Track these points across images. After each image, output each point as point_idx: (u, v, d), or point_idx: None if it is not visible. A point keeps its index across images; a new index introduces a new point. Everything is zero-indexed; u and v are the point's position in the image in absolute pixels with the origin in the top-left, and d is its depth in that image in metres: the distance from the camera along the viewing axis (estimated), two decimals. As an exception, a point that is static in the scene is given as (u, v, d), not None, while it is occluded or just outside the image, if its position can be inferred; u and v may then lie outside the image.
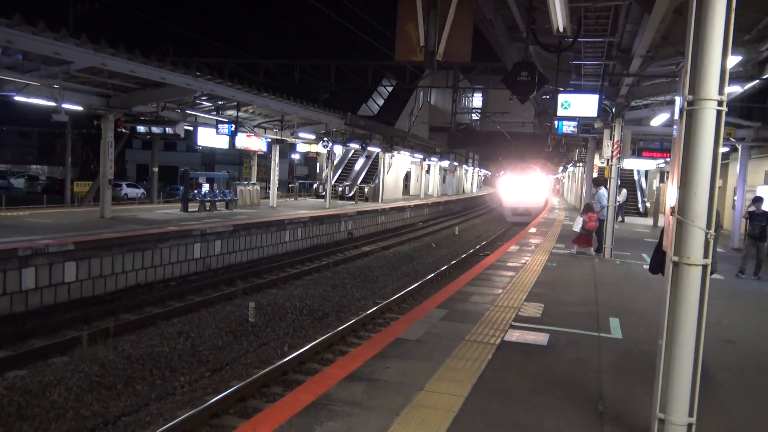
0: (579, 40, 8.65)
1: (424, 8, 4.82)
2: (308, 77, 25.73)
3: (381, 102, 42.82)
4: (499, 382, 5.05)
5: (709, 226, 3.65)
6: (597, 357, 5.94)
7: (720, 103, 3.59)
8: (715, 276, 11.47)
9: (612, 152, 13.60)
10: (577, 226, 14.72)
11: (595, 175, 21.69)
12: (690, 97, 3.64)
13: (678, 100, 3.88)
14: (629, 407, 4.56)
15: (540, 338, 6.46)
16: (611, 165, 13.58)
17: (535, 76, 7.28)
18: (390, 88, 41.07)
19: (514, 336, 6.48)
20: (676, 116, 3.82)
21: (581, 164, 29.72)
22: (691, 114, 3.65)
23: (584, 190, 24.18)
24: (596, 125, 14.97)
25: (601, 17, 8.11)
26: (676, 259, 3.72)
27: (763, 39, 9.61)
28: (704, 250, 3.67)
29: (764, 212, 11.72)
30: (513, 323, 7.02)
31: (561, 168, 57.63)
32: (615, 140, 13.38)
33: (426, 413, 4.31)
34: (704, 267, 3.68)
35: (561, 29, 6.75)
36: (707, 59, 3.57)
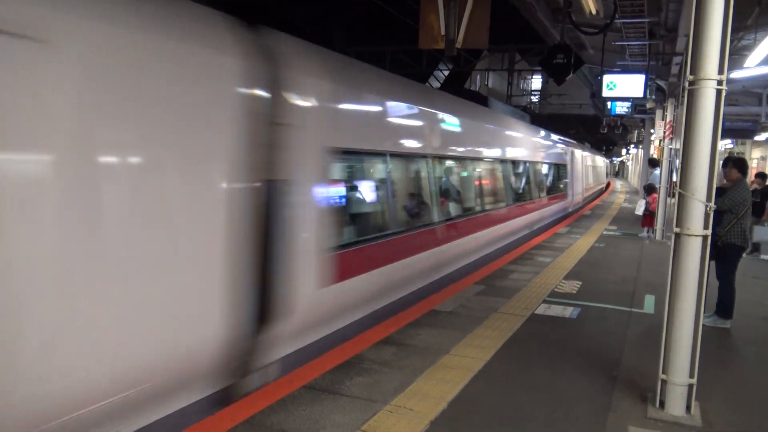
0: (618, 21, 8.69)
1: (444, 0, 5.16)
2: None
3: (437, 86, 42.77)
4: (521, 349, 5.39)
5: (708, 200, 3.87)
6: (623, 330, 6.16)
7: (720, 83, 3.79)
8: (766, 257, 11.36)
9: (665, 132, 13.44)
10: (640, 209, 14.65)
11: (655, 156, 21.26)
12: (691, 77, 3.85)
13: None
14: (643, 373, 4.80)
15: (570, 312, 6.72)
16: (663, 146, 13.42)
17: (571, 58, 7.46)
18: (446, 73, 40.96)
19: (546, 310, 6.77)
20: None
21: (641, 146, 29.01)
22: (692, 93, 3.86)
23: (643, 172, 23.67)
24: (648, 105, 14.76)
25: (636, -1, 8.14)
26: (677, 230, 3.96)
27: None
28: (704, 222, 3.89)
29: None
30: (547, 298, 7.29)
31: (624, 150, 56.07)
32: (667, 120, 13.22)
33: (447, 372, 4.72)
34: (704, 238, 3.90)
35: (593, 11, 6.89)
36: (707, 41, 3.77)
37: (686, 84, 3.88)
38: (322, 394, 4.25)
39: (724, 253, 6.34)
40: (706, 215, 3.89)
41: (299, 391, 4.27)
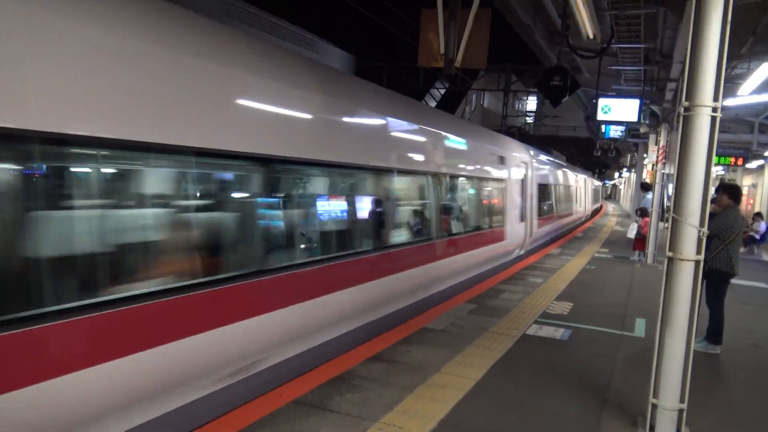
0: (614, 46, 8.81)
1: (444, 19, 5.22)
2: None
3: (433, 104, 43.04)
4: (512, 369, 5.37)
5: (702, 225, 3.89)
6: (614, 353, 6.16)
7: (714, 110, 3.84)
8: (759, 284, 11.42)
9: (657, 157, 13.55)
10: (632, 233, 14.71)
11: (648, 180, 21.42)
12: (687, 103, 3.90)
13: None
14: (633, 397, 4.79)
15: (561, 334, 6.71)
16: (656, 170, 13.53)
17: (568, 80, 7.52)
18: (443, 91, 41.27)
19: (537, 331, 6.76)
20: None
21: (634, 169, 29.24)
22: (687, 119, 3.90)
23: (635, 196, 23.80)
24: (642, 130, 14.90)
25: (632, 24, 8.26)
26: (670, 254, 3.98)
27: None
28: (697, 247, 3.92)
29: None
30: (538, 319, 7.29)
31: (617, 174, 56.47)
32: (660, 145, 13.34)
33: (437, 391, 4.69)
34: (696, 263, 3.92)
35: (590, 36, 6.98)
36: (703, 68, 3.82)
37: (681, 110, 3.92)
38: (311, 409, 4.21)
39: (709, 278, 6.36)
40: (699, 240, 3.91)
41: (288, 406, 4.23)
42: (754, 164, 22.77)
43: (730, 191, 6.58)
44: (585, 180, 30.60)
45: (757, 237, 17.17)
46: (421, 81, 26.83)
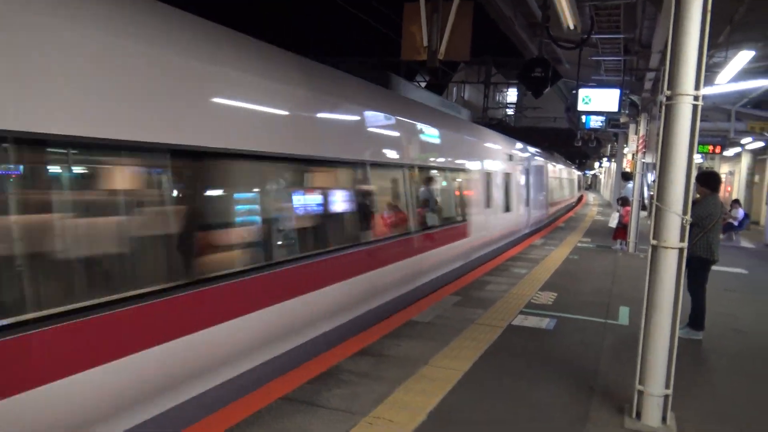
0: (594, 37, 8.85)
1: (427, 12, 5.21)
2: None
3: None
4: (499, 360, 5.40)
5: (684, 213, 3.93)
6: (599, 341, 6.22)
7: (696, 98, 3.87)
8: (738, 270, 11.60)
9: (637, 147, 13.68)
10: (613, 222, 14.85)
11: (628, 169, 21.65)
12: (668, 92, 3.93)
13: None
14: (620, 383, 4.84)
15: (547, 323, 6.76)
16: (636, 160, 13.66)
17: (549, 71, 7.55)
18: (423, 84, 41.30)
19: (522, 321, 6.80)
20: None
21: (614, 159, 29.51)
22: (669, 108, 3.93)
23: (615, 185, 24.05)
24: (621, 120, 15.04)
25: (612, 15, 8.31)
26: (654, 242, 4.02)
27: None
28: (680, 234, 3.96)
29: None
30: (523, 309, 7.33)
31: (597, 163, 56.96)
32: (640, 135, 13.46)
33: (426, 384, 4.70)
34: (680, 250, 3.96)
35: (571, 26, 7.01)
36: (685, 58, 3.85)
37: (663, 99, 3.95)
38: (300, 405, 4.19)
39: (690, 265, 6.44)
40: (683, 228, 3.95)
41: (276, 403, 4.21)
42: (731, 152, 23.09)
43: (701, 180, 6.60)
44: (570, 171, 31.91)
45: (735, 224, 17.45)
46: (402, 75, 26.78)
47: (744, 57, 8.92)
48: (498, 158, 12.91)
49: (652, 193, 28.27)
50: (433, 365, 5.14)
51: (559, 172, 26.07)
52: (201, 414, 4.08)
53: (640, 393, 4.12)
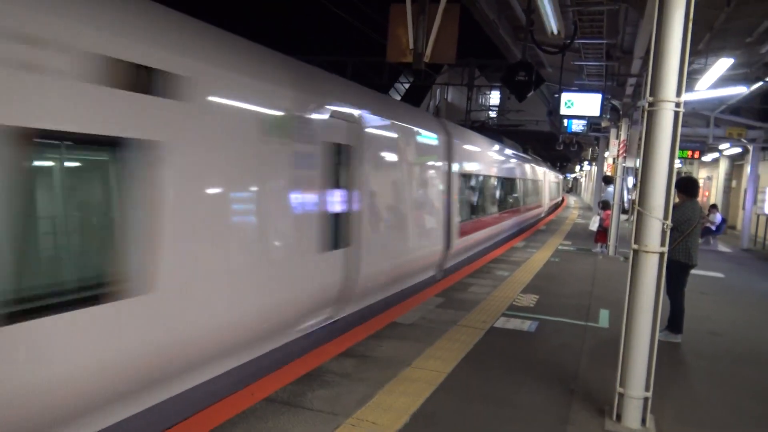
0: (577, 41, 8.96)
1: (413, 14, 5.23)
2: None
3: (398, 98, 43.12)
4: (481, 362, 5.43)
5: (666, 218, 3.99)
6: (580, 343, 6.28)
7: (678, 105, 3.93)
8: (715, 274, 11.79)
9: (618, 151, 13.84)
10: (594, 225, 14.99)
11: (609, 173, 21.91)
12: (651, 98, 3.99)
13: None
14: (600, 386, 4.90)
15: (528, 326, 6.81)
16: (617, 164, 13.82)
17: (533, 75, 7.61)
18: (407, 86, 41.36)
19: (505, 323, 6.85)
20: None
21: (596, 163, 29.83)
22: (651, 114, 3.99)
23: (596, 189, 24.31)
24: (603, 124, 15.20)
25: (595, 20, 8.41)
26: (636, 247, 4.07)
27: (764, 41, 9.82)
28: (661, 239, 4.02)
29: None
30: (505, 312, 7.38)
31: (579, 167, 57.50)
32: (621, 139, 13.63)
33: (409, 385, 4.71)
34: (660, 254, 4.02)
35: (554, 31, 7.08)
36: (666, 65, 3.91)
37: (646, 105, 4.01)
38: (283, 407, 4.18)
39: (669, 269, 6.52)
40: (663, 233, 4.01)
41: (260, 404, 4.19)
42: (709, 157, 23.46)
43: (680, 186, 6.64)
44: (545, 173, 33.60)
45: (713, 228, 17.72)
46: (386, 76, 26.79)
47: (723, 64, 9.08)
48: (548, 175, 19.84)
49: (631, 197, 28.68)
50: (417, 367, 5.15)
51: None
52: (185, 413, 4.05)
53: (620, 395, 4.18)
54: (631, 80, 11.49)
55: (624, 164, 13.76)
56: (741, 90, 12.59)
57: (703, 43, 8.74)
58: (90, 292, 3.28)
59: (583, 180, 59.71)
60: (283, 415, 4.04)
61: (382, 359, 5.31)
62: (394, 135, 7.61)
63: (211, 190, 4.27)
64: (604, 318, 7.43)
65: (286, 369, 4.97)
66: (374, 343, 5.77)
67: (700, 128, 17.17)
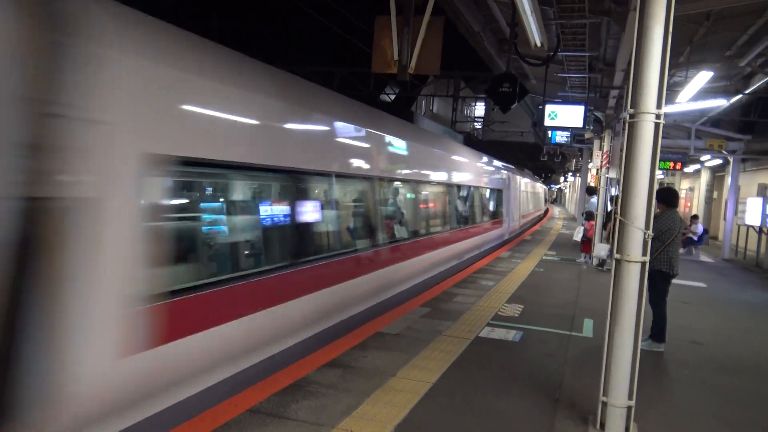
0: (560, 54, 9.08)
1: (398, 26, 5.28)
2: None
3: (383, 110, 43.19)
4: (466, 372, 5.44)
5: (647, 228, 4.05)
6: (564, 353, 6.32)
7: (658, 117, 4.00)
8: (697, 284, 11.92)
9: (601, 162, 13.99)
10: (578, 235, 15.10)
11: (593, 184, 22.13)
12: (632, 110, 4.05)
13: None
14: (584, 395, 4.93)
15: (513, 335, 6.84)
16: (600, 175, 13.96)
17: (516, 87, 7.68)
18: (393, 96, 41.54)
19: (489, 333, 6.87)
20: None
21: (579, 174, 30.12)
22: (632, 126, 4.05)
23: (580, 199, 24.54)
24: (586, 135, 15.37)
25: (578, 33, 8.55)
26: (618, 256, 4.12)
27: (743, 55, 10.02)
28: (643, 248, 4.07)
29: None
30: (490, 322, 7.40)
31: (562, 177, 57.97)
32: (604, 150, 13.78)
33: (394, 395, 4.71)
34: (642, 264, 4.07)
35: (538, 44, 7.18)
36: (647, 78, 3.98)
37: (627, 117, 4.07)
38: (267, 418, 4.16)
39: (652, 278, 6.59)
40: (645, 242, 4.06)
41: (244, 415, 4.17)
42: (691, 168, 23.78)
43: (660, 196, 6.70)
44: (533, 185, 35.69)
45: (695, 238, 17.93)
46: (372, 86, 26.90)
47: (703, 77, 9.23)
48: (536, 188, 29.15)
49: (611, 208, 29.14)
50: (401, 377, 5.15)
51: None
52: (176, 421, 4.01)
53: (604, 404, 4.21)
54: (614, 92, 11.66)
55: (607, 175, 13.91)
56: (721, 102, 12.81)
57: (683, 57, 8.90)
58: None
59: (567, 191, 60.20)
60: (267, 426, 4.01)
61: (367, 369, 5.30)
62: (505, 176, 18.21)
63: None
64: (588, 327, 7.48)
65: (270, 380, 4.94)
66: (359, 353, 5.76)
67: (681, 140, 17.43)
